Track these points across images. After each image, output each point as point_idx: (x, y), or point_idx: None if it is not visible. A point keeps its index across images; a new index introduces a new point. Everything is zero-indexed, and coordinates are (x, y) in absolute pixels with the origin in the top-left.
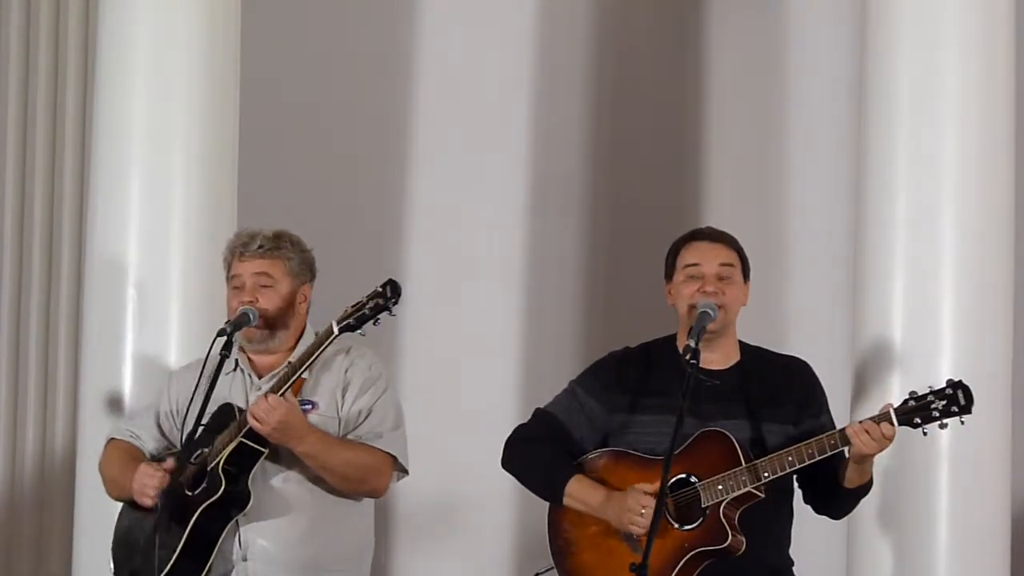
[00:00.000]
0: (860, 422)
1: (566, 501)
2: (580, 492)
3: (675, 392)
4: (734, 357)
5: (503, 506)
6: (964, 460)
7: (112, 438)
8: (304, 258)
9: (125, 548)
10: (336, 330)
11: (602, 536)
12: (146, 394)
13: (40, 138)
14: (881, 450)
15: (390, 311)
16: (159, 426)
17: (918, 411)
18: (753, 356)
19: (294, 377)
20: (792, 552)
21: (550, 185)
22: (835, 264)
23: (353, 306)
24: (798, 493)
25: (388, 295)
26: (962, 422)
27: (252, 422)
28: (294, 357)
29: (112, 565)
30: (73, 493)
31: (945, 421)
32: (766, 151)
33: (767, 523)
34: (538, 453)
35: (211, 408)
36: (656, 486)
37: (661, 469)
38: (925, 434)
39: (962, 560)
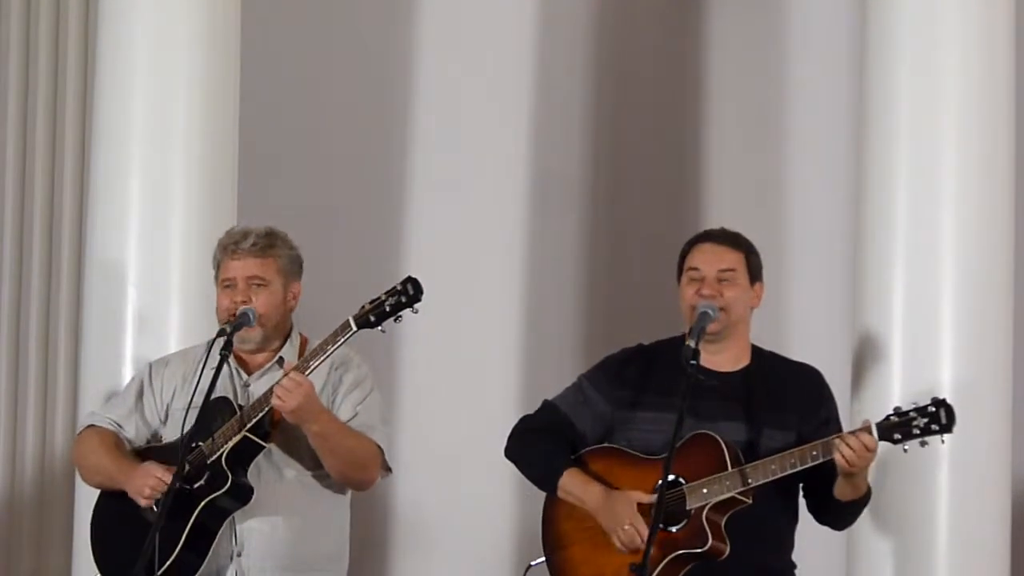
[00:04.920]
0: (841, 436)
1: (560, 493)
2: (573, 486)
3: (676, 391)
4: (743, 360)
5: (503, 508)
6: (964, 460)
7: (91, 424)
8: (293, 256)
9: (111, 545)
10: (354, 326)
11: (592, 531)
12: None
13: (40, 138)
14: (864, 465)
15: (413, 308)
16: (141, 413)
17: (899, 427)
18: (763, 361)
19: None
20: (794, 553)
21: (550, 185)
22: (835, 264)
23: (371, 303)
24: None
25: (410, 292)
26: (942, 441)
27: (275, 400)
28: (299, 356)
29: (98, 563)
30: (73, 493)
31: (925, 439)
32: (766, 151)
33: (764, 527)
34: (538, 443)
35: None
36: (648, 496)
37: (653, 469)
38: (905, 451)
39: (962, 560)
